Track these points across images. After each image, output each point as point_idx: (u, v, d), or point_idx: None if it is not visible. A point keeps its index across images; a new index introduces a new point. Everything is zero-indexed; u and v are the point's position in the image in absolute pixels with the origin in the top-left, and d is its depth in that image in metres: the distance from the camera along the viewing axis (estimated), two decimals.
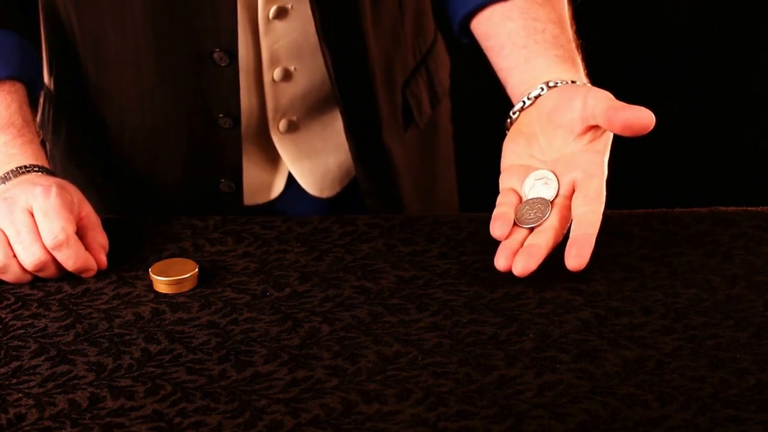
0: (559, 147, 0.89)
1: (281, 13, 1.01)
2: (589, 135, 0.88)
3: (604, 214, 0.86)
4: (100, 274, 0.91)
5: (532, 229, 0.88)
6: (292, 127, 1.08)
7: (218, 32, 0.99)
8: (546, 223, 0.87)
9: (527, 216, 0.88)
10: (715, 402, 0.71)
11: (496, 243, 0.89)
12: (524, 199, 0.89)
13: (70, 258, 0.89)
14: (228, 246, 0.95)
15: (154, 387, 0.75)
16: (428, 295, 0.86)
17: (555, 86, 0.92)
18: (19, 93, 1.00)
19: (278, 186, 1.12)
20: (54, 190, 0.90)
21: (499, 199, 0.90)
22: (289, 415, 0.71)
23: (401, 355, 0.78)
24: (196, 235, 0.98)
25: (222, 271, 0.91)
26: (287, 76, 1.05)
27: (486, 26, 1.00)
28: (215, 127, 1.04)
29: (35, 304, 0.87)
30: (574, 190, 0.88)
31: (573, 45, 0.98)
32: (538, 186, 0.89)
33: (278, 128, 1.07)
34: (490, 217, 0.89)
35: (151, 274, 0.88)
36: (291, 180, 1.12)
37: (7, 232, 0.89)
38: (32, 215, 0.89)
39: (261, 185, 1.11)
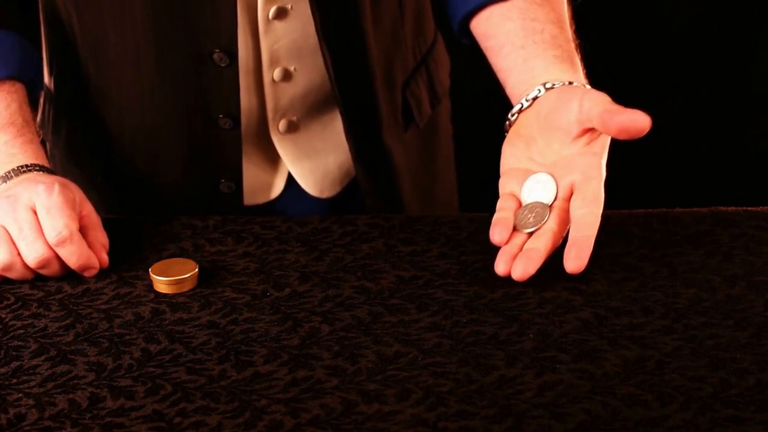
0: (557, 150, 0.89)
1: (281, 14, 1.01)
2: (586, 137, 0.88)
3: (604, 214, 0.86)
4: (100, 274, 0.91)
5: (531, 233, 0.88)
6: (292, 128, 1.08)
7: (218, 32, 0.99)
8: (545, 226, 0.87)
9: (526, 220, 0.88)
10: (715, 402, 0.71)
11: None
12: (523, 203, 0.90)
13: (73, 255, 0.89)
14: (228, 246, 0.95)
15: (154, 387, 0.75)
16: (428, 295, 0.86)
17: (552, 87, 0.92)
18: (19, 93, 1.00)
19: (278, 186, 1.12)
20: (57, 187, 0.90)
21: (499, 203, 0.90)
22: (289, 415, 0.71)
23: (401, 355, 0.78)
24: (196, 235, 0.98)
25: (222, 271, 0.91)
26: (287, 76, 1.05)
27: (485, 26, 1.00)
28: (215, 128, 1.04)
29: (35, 304, 0.87)
30: (572, 193, 0.88)
31: (572, 45, 0.98)
32: (537, 189, 0.89)
33: (278, 128, 1.07)
34: (490, 217, 0.89)
35: (151, 274, 0.88)
36: (291, 180, 1.12)
37: (9, 230, 0.89)
38: (35, 213, 0.89)
39: (261, 185, 1.11)
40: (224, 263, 0.92)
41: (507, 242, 0.87)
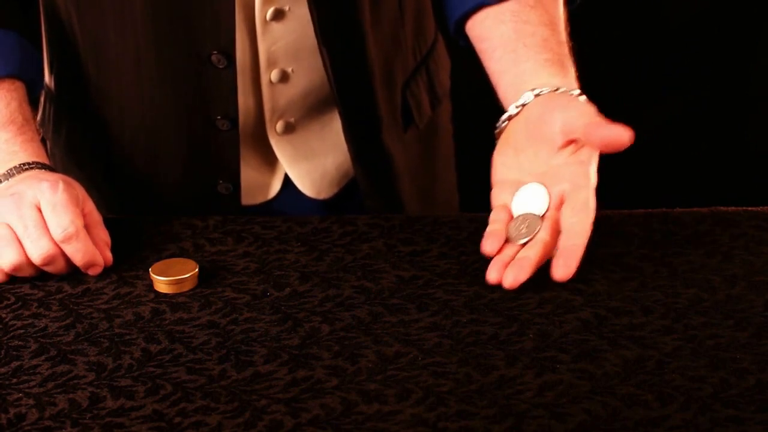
0: (545, 159, 0.89)
1: (278, 15, 1.01)
2: (572, 147, 0.88)
3: (604, 215, 0.86)
4: (101, 273, 0.91)
5: (524, 244, 0.87)
6: (289, 129, 1.08)
7: (216, 34, 0.99)
8: (537, 236, 0.87)
9: (519, 231, 0.88)
10: (715, 402, 0.71)
11: None
12: (515, 214, 0.89)
13: (79, 252, 0.89)
14: (228, 246, 0.95)
15: (154, 387, 0.75)
16: (428, 295, 0.86)
17: (541, 94, 0.91)
18: (19, 91, 1.00)
19: (275, 186, 1.12)
20: (61, 185, 0.91)
21: (492, 216, 0.90)
22: (289, 415, 0.71)
23: (401, 355, 0.78)
24: (196, 235, 0.98)
25: (222, 271, 0.91)
26: (285, 77, 1.05)
27: (480, 29, 1.00)
28: (213, 129, 1.04)
29: (35, 304, 0.87)
30: (563, 203, 0.88)
31: (564, 47, 0.97)
32: (529, 200, 0.89)
33: (275, 129, 1.07)
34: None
35: (151, 273, 0.88)
36: (288, 180, 1.12)
37: (14, 227, 0.89)
38: (39, 210, 0.89)
39: (258, 185, 1.11)
40: (224, 263, 0.92)
41: (499, 252, 0.87)
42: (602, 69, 1.00)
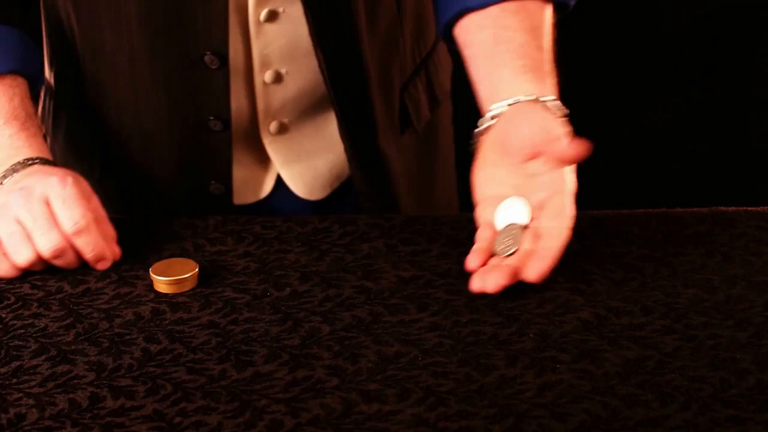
0: (520, 171, 0.88)
1: (272, 17, 1.01)
2: (541, 157, 0.88)
3: (605, 214, 0.86)
4: (101, 274, 0.91)
5: (510, 255, 0.87)
6: (283, 129, 1.08)
7: (209, 35, 0.99)
8: (521, 248, 0.87)
9: (504, 245, 0.87)
10: (715, 402, 0.71)
11: None
12: (499, 229, 0.89)
13: (89, 245, 0.90)
14: (228, 246, 0.95)
15: (154, 387, 0.75)
16: (428, 295, 0.86)
17: (514, 103, 0.90)
18: (21, 87, 1.00)
19: (267, 186, 1.11)
20: (70, 179, 0.91)
21: (477, 234, 0.89)
22: (289, 415, 0.71)
23: (401, 355, 0.78)
24: (196, 235, 0.98)
25: (222, 271, 0.91)
26: (278, 78, 1.04)
27: (465, 35, 0.99)
28: (205, 130, 1.04)
29: (35, 304, 0.87)
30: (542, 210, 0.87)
31: (542, 53, 0.95)
32: (510, 214, 0.88)
33: (269, 130, 1.07)
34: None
35: (151, 273, 0.88)
36: (280, 180, 1.11)
37: (24, 221, 0.90)
38: (48, 205, 0.90)
39: (250, 185, 1.10)
40: (224, 263, 0.92)
41: (483, 264, 0.87)
42: (603, 69, 1.00)
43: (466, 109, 1.42)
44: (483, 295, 0.85)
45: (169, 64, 1.01)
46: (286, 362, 0.77)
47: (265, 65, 1.03)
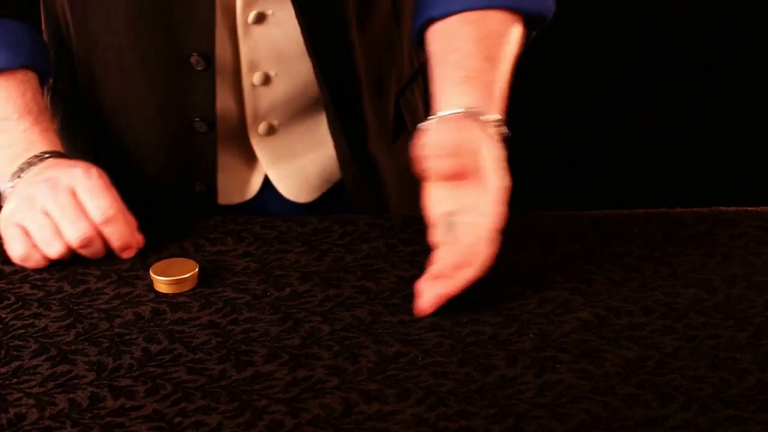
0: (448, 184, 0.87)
1: (261, 19, 1.01)
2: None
3: (605, 214, 0.86)
4: (101, 273, 0.91)
5: None
6: (272, 131, 1.08)
7: (195, 36, 0.99)
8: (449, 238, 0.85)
9: (446, 237, 0.86)
10: (715, 402, 0.71)
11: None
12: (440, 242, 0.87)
13: (117, 233, 0.92)
14: (228, 246, 0.95)
15: (154, 387, 0.75)
16: None
17: (444, 116, 0.89)
18: (32, 82, 1.01)
19: (253, 188, 1.11)
20: (94, 170, 0.93)
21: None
22: (289, 415, 0.71)
23: (401, 355, 0.78)
24: (196, 235, 0.98)
25: (222, 271, 0.91)
26: (267, 80, 1.04)
27: (427, 45, 0.98)
28: (190, 131, 1.04)
29: (36, 304, 0.87)
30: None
31: (491, 63, 0.93)
32: (447, 228, 0.87)
33: (257, 131, 1.07)
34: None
35: (151, 273, 0.88)
36: (267, 182, 1.11)
37: (51, 212, 0.91)
38: (75, 195, 0.92)
39: (236, 186, 1.10)
40: (224, 263, 0.92)
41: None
42: (603, 69, 1.00)
43: None
44: (483, 295, 0.85)
45: (156, 63, 1.02)
46: (286, 362, 0.77)
47: (253, 67, 1.03)
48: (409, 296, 0.86)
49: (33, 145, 0.98)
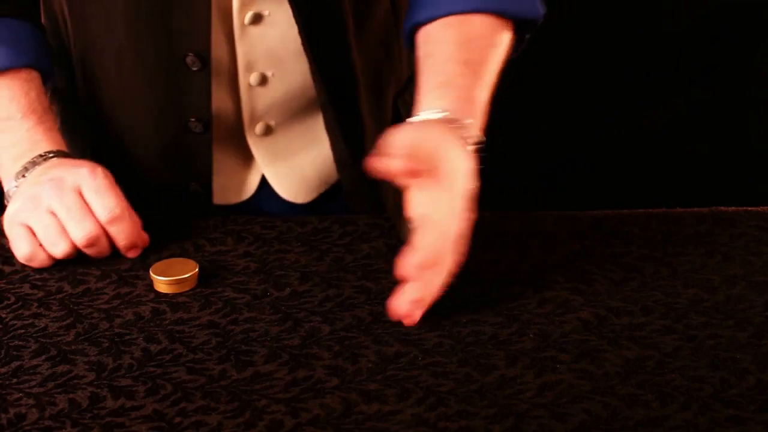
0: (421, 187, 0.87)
1: (257, 19, 1.01)
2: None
3: (605, 214, 0.86)
4: (101, 274, 0.91)
5: None
6: (269, 131, 1.08)
7: (192, 36, 0.99)
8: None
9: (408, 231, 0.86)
10: (715, 402, 0.71)
11: (497, 242, 0.89)
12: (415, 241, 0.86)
13: (123, 232, 0.92)
14: (228, 246, 0.95)
15: (154, 387, 0.75)
16: None
17: (417, 121, 0.89)
18: (36, 81, 1.02)
19: (251, 187, 1.11)
20: (99, 170, 0.94)
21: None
22: (289, 415, 0.71)
23: (401, 355, 0.78)
24: (196, 235, 0.98)
25: (222, 271, 0.91)
26: (264, 81, 1.04)
27: (416, 50, 0.98)
28: (186, 131, 1.04)
29: (36, 304, 0.87)
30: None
31: (466, 67, 0.92)
32: (410, 230, 0.86)
33: (254, 131, 1.07)
34: (490, 216, 0.89)
35: (151, 273, 0.88)
36: (263, 183, 1.11)
37: (57, 212, 0.91)
38: (80, 195, 0.92)
39: (232, 186, 1.10)
40: (224, 263, 0.92)
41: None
42: (604, 69, 1.00)
43: None
44: (483, 295, 0.85)
45: (153, 63, 1.02)
46: (286, 362, 0.77)
47: (249, 68, 1.03)
48: None
49: (37, 144, 0.98)
